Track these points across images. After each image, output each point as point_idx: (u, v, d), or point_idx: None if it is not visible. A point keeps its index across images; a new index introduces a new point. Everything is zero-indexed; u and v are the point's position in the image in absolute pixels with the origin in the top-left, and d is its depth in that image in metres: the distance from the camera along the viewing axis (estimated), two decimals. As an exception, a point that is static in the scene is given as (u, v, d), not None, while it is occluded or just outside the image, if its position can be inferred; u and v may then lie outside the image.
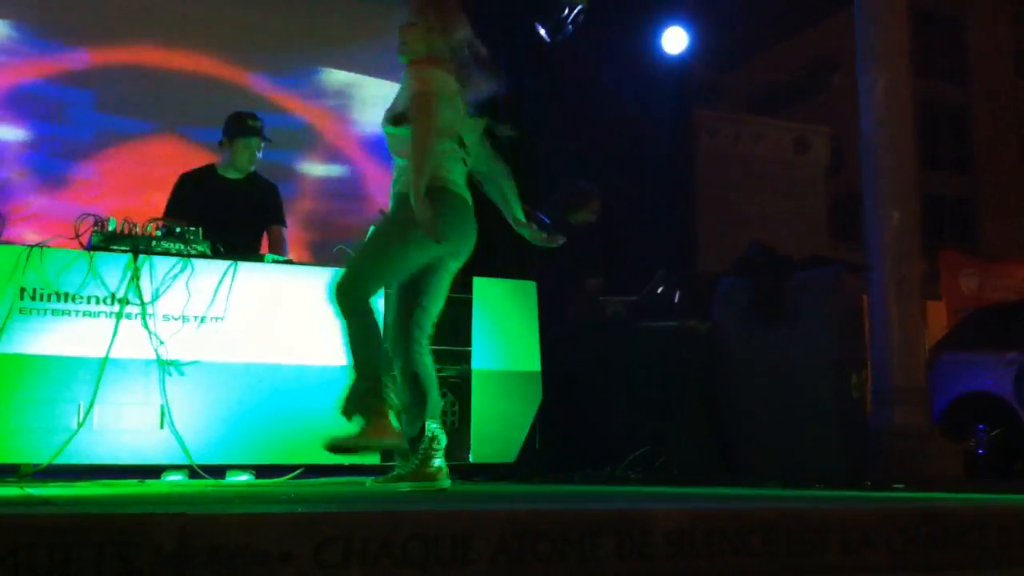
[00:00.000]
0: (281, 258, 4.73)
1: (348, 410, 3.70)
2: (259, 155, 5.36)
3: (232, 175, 5.33)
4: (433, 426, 3.83)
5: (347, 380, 3.73)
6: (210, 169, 5.40)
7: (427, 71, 3.81)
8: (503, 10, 7.33)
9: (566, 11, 7.36)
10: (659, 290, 5.97)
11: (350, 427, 3.68)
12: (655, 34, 8.02)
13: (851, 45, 6.80)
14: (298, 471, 4.53)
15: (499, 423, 4.79)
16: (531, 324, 4.97)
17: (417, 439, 3.84)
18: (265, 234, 5.37)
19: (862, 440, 5.30)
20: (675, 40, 7.96)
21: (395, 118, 3.84)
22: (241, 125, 5.32)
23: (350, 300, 3.70)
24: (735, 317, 5.39)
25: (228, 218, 4.96)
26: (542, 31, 7.35)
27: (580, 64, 7.82)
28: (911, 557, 2.73)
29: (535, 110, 7.77)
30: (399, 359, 3.89)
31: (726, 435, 5.24)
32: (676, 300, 5.87)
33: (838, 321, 5.10)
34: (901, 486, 4.69)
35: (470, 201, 3.90)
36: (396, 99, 3.91)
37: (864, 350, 5.71)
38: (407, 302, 3.91)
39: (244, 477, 4.43)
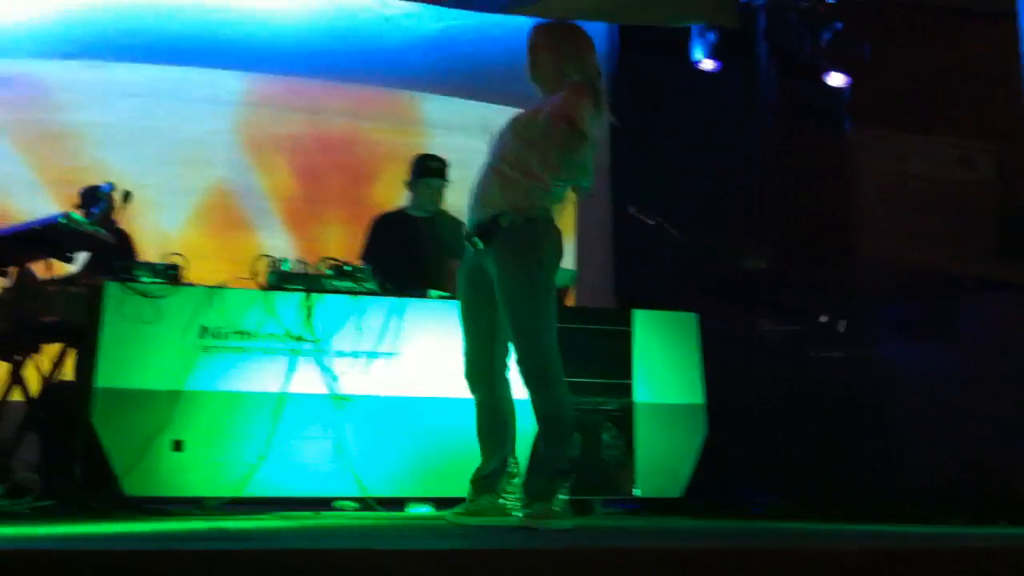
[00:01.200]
0: (446, 294, 4.82)
1: (542, 493, 3.61)
2: (443, 194, 5.53)
3: (419, 214, 5.51)
4: (512, 460, 3.81)
5: (547, 459, 3.64)
6: (400, 211, 5.63)
7: (584, 102, 3.70)
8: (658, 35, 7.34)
9: (716, 35, 7.33)
10: (823, 319, 5.84)
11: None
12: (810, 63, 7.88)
13: (1013, 57, 6.53)
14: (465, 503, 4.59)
15: (664, 456, 4.75)
16: (693, 356, 4.92)
17: (499, 471, 3.78)
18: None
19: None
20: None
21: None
22: (422, 167, 5.55)
23: (544, 364, 3.65)
24: (903, 343, 5.23)
25: (416, 255, 5.16)
26: (696, 60, 7.33)
27: (728, 90, 7.74)
28: None
29: (680, 136, 7.73)
30: (480, 394, 3.84)
31: (899, 466, 5.07)
32: (841, 328, 5.74)
33: (1014, 345, 4.89)
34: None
35: None
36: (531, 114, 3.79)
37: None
38: (488, 337, 3.81)
39: (423, 508, 4.54)
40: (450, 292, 4.77)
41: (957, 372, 4.97)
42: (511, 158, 3.71)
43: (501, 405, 3.81)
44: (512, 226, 3.64)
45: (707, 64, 7.52)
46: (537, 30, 3.92)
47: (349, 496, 4.40)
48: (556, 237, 3.73)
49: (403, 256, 5.21)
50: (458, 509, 3.81)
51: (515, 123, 3.81)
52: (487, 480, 3.77)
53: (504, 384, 3.82)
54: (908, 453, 5.09)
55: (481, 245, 3.70)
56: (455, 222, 5.57)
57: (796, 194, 7.93)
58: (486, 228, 3.68)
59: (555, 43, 3.84)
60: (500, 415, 3.81)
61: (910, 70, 7.64)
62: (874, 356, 5.43)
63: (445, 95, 7.46)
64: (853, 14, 7.48)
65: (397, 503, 4.43)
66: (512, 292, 3.65)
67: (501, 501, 3.74)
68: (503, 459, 3.78)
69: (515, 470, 3.81)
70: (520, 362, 3.70)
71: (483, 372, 3.81)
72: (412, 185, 5.58)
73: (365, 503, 4.33)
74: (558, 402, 3.66)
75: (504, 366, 3.80)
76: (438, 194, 5.55)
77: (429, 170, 5.53)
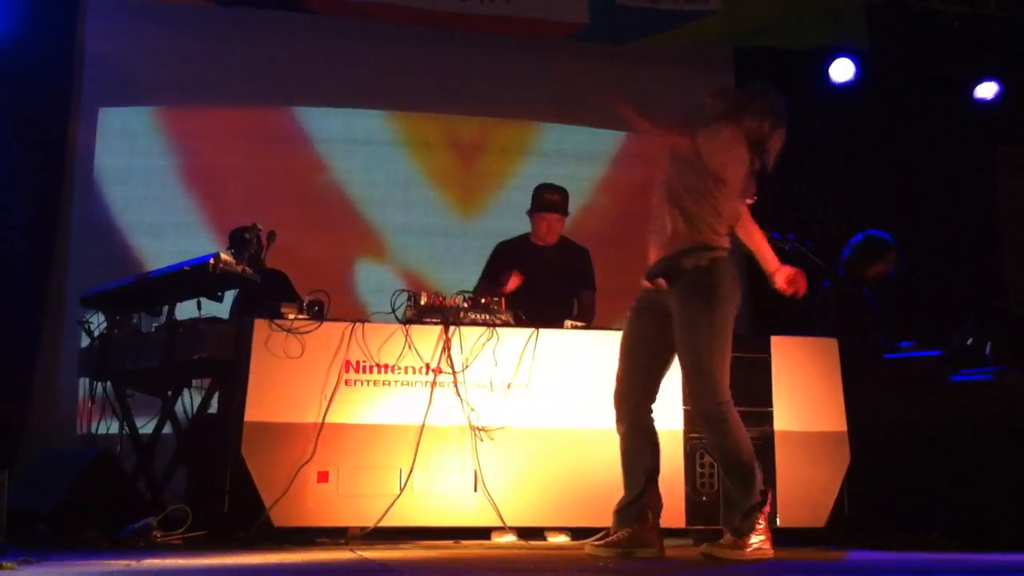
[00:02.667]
0: (579, 323, 4.83)
1: (737, 527, 3.72)
2: (561, 225, 5.59)
3: (541, 242, 5.56)
4: (653, 487, 3.90)
5: (735, 493, 3.76)
6: (523, 237, 5.70)
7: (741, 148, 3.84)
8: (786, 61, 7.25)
9: (847, 55, 7.21)
10: (969, 341, 5.64)
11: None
12: (957, 82, 7.68)
13: None
14: (603, 533, 4.58)
15: (806, 485, 4.64)
16: (834, 382, 4.80)
17: (642, 502, 3.85)
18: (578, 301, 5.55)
19: None
20: (984, 90, 7.64)
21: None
22: (538, 199, 5.60)
23: (721, 406, 3.74)
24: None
25: (539, 284, 5.22)
26: (830, 79, 7.21)
27: (871, 113, 7.59)
28: None
29: (821, 161, 7.60)
30: (626, 424, 3.93)
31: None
32: (988, 351, 5.53)
33: None
34: None
35: None
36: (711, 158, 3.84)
37: None
38: (646, 371, 3.93)
39: (561, 538, 4.55)
40: (577, 320, 4.79)
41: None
42: (689, 194, 3.80)
43: (647, 436, 3.90)
44: (696, 268, 3.75)
45: (841, 78, 7.37)
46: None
47: (490, 526, 4.43)
48: (735, 276, 3.82)
49: (527, 284, 5.26)
50: (597, 539, 3.89)
51: (683, 158, 3.87)
52: (630, 510, 3.83)
53: (650, 416, 3.92)
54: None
55: (664, 286, 3.82)
56: (579, 250, 5.61)
57: (937, 212, 7.73)
58: (670, 269, 3.80)
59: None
60: (645, 446, 3.88)
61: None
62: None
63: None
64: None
65: (534, 533, 4.43)
66: (692, 332, 3.74)
67: (647, 530, 3.81)
68: (646, 490, 3.83)
69: (660, 501, 3.88)
70: (695, 402, 3.82)
71: (633, 404, 3.91)
72: (530, 215, 5.62)
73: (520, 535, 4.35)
74: (735, 438, 3.74)
75: (653, 399, 3.92)
76: (557, 225, 5.57)
77: (545, 203, 5.57)
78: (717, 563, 3.67)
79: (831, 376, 4.79)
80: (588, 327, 4.80)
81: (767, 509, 3.78)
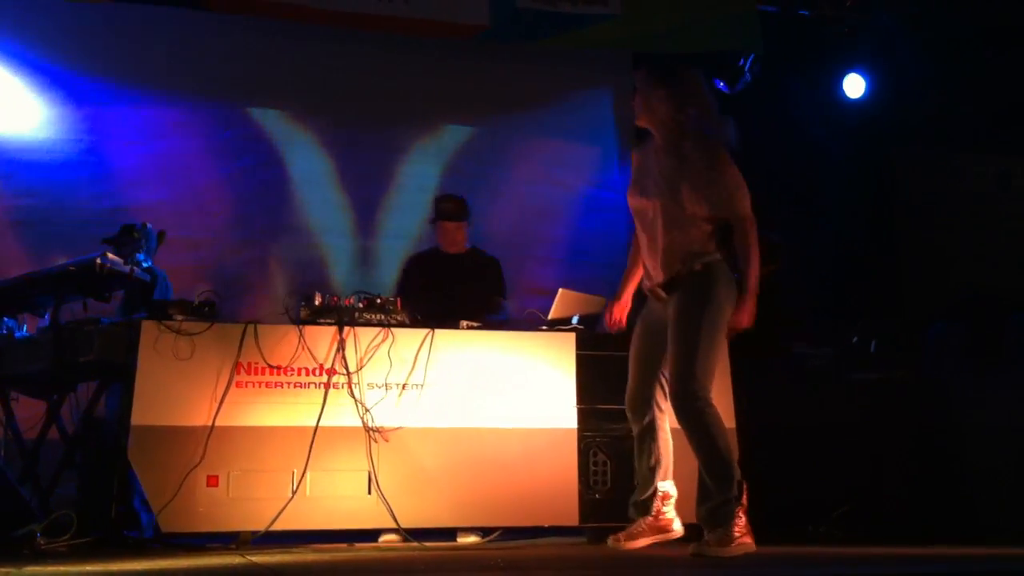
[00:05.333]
0: (474, 324, 4.82)
1: (714, 520, 3.89)
2: (465, 233, 5.62)
3: (449, 251, 5.56)
4: (665, 483, 4.17)
5: (712, 487, 3.93)
6: (433, 249, 5.74)
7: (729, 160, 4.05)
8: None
9: (741, 61, 7.35)
10: (855, 339, 5.80)
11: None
12: (838, 80, 7.90)
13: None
14: (496, 533, 4.60)
15: (695, 481, 4.71)
16: (723, 380, 4.85)
17: (655, 495, 4.14)
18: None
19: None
20: (854, 86, 7.87)
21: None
22: (435, 208, 5.66)
23: (700, 401, 3.90)
24: (949, 364, 5.17)
25: (450, 294, 5.26)
26: (721, 85, 7.34)
27: (762, 114, 7.74)
28: None
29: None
30: (638, 425, 4.18)
31: (946, 487, 5.01)
32: (873, 348, 5.69)
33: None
34: None
35: None
36: (665, 170, 4.05)
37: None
38: (652, 375, 4.14)
39: (472, 538, 4.60)
40: (478, 323, 4.79)
41: (1007, 392, 4.91)
42: (680, 207, 3.98)
43: (658, 435, 4.13)
44: (692, 272, 3.96)
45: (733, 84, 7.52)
46: (646, 78, 4.13)
47: (383, 528, 4.41)
48: (731, 281, 4.01)
49: (434, 292, 5.31)
50: (620, 535, 4.13)
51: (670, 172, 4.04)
52: (644, 503, 4.14)
53: (662, 416, 4.16)
54: (956, 474, 5.02)
55: (664, 295, 4.03)
56: (489, 261, 5.64)
57: (833, 213, 7.92)
58: (669, 281, 4.01)
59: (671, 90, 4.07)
60: (657, 444, 4.14)
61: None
62: (916, 377, 5.37)
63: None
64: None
65: (432, 534, 4.42)
66: (685, 328, 3.93)
67: (661, 521, 4.11)
68: (657, 484, 4.12)
69: (672, 492, 4.16)
70: (677, 395, 3.95)
71: (643, 405, 4.16)
72: (432, 225, 5.64)
73: (401, 535, 4.35)
74: (714, 433, 3.94)
75: (662, 399, 4.14)
76: (457, 234, 5.59)
77: (441, 212, 5.63)
78: (710, 562, 3.77)
79: (720, 374, 4.83)
80: (484, 327, 4.80)
81: (745, 502, 3.93)
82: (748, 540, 3.88)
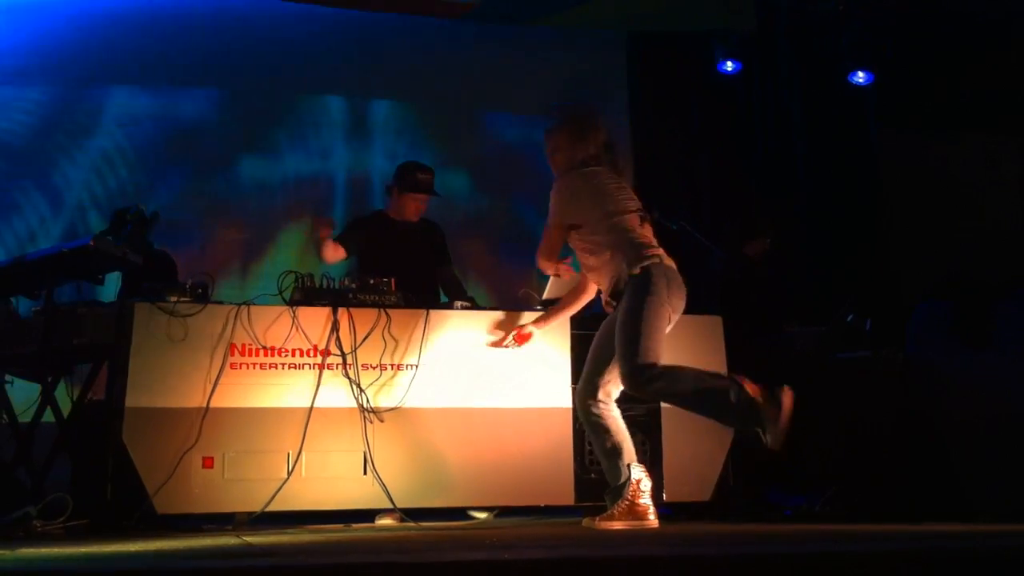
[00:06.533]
0: (468, 305, 4.82)
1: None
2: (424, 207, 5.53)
3: (400, 219, 5.51)
4: (636, 469, 4.15)
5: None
6: (380, 213, 5.61)
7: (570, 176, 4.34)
8: (678, 47, 7.37)
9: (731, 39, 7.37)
10: (849, 319, 5.81)
11: None
12: (833, 64, 7.89)
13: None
14: (493, 512, 4.62)
15: (691, 461, 4.75)
16: (718, 360, 4.89)
17: (627, 480, 4.14)
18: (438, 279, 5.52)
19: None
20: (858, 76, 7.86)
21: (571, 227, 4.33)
22: (410, 179, 5.46)
23: (646, 370, 4.01)
24: (934, 344, 5.18)
25: (398, 261, 5.11)
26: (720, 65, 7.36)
27: (754, 96, 7.76)
28: None
29: (709, 142, 7.74)
30: (586, 411, 4.29)
31: (932, 467, 5.03)
32: (868, 327, 5.71)
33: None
34: None
35: (674, 264, 4.25)
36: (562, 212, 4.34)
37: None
38: (604, 361, 4.26)
39: (484, 515, 4.68)
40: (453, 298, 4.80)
41: (992, 372, 4.92)
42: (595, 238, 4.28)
43: (608, 423, 4.26)
44: (632, 276, 4.16)
45: (728, 66, 7.54)
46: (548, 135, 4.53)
47: (379, 508, 4.42)
48: (671, 280, 4.19)
49: (383, 261, 5.14)
50: (595, 517, 4.18)
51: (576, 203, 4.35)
52: (618, 488, 4.17)
53: (608, 404, 4.29)
54: (944, 452, 5.04)
55: (615, 303, 4.23)
56: (432, 225, 5.61)
57: (824, 193, 7.93)
58: (617, 290, 4.21)
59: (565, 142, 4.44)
60: (611, 431, 4.24)
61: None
62: (903, 357, 5.37)
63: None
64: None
65: (428, 513, 4.44)
66: (624, 319, 4.10)
67: (637, 507, 4.13)
68: (626, 468, 4.16)
69: (645, 479, 4.17)
70: (623, 369, 4.08)
71: (592, 393, 4.28)
72: (397, 193, 5.51)
73: (398, 516, 4.36)
74: (670, 393, 4.12)
75: (615, 388, 4.28)
76: (424, 206, 5.52)
77: (420, 183, 5.46)
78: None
79: (715, 353, 4.88)
80: (477, 307, 4.81)
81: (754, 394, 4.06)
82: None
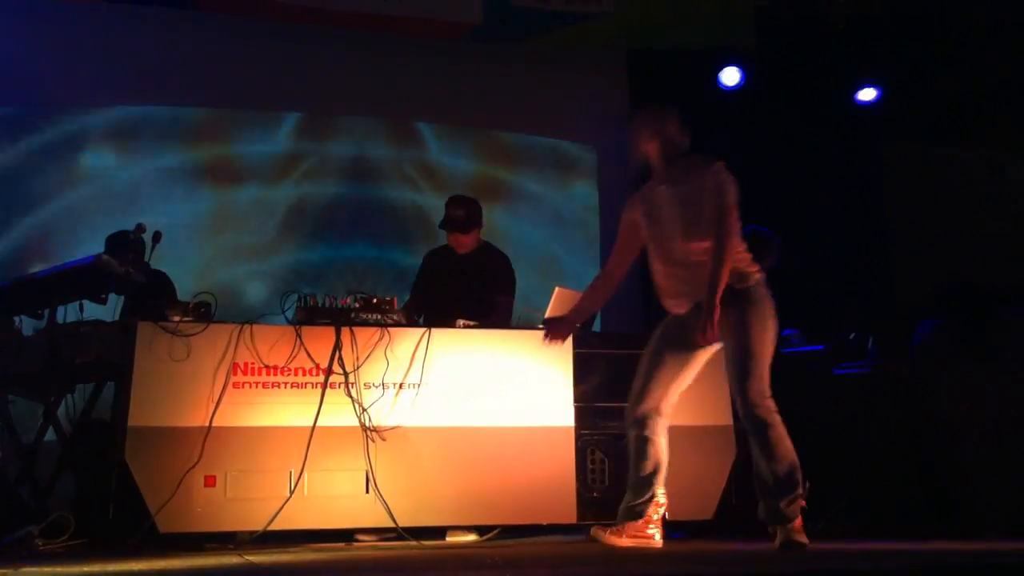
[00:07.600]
0: (470, 324, 4.81)
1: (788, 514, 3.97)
2: (470, 239, 5.49)
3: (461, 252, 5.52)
4: (663, 493, 4.18)
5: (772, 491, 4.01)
6: (443, 247, 5.64)
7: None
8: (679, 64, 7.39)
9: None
10: (852, 336, 5.81)
11: None
12: (844, 81, 7.91)
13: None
14: (494, 531, 4.61)
15: (694, 479, 4.73)
16: (720, 377, 4.88)
17: (649, 502, 4.13)
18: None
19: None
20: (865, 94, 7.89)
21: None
22: (445, 214, 5.48)
23: (766, 404, 4.04)
24: (938, 359, 5.17)
25: (456, 290, 5.23)
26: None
27: (760, 112, 7.77)
28: None
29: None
30: (635, 431, 4.15)
31: (937, 483, 5.02)
32: (871, 345, 5.71)
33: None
34: None
35: None
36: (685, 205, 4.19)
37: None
38: (666, 383, 4.16)
39: (471, 537, 4.60)
40: (474, 322, 4.79)
41: (997, 387, 4.92)
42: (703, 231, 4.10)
43: (659, 440, 4.15)
44: (745, 289, 4.05)
45: (730, 81, 7.54)
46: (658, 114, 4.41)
47: (379, 527, 4.42)
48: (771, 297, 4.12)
49: (445, 290, 5.29)
50: (604, 529, 4.15)
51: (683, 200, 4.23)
52: (637, 508, 4.12)
53: (663, 422, 4.17)
54: (947, 468, 5.04)
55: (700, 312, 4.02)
56: (499, 255, 5.57)
57: (827, 208, 7.93)
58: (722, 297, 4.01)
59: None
60: (657, 450, 4.15)
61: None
62: (907, 372, 5.37)
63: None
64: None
65: (430, 532, 4.43)
66: (743, 339, 4.03)
67: (648, 528, 4.11)
68: (653, 492, 4.13)
69: (664, 500, 4.17)
70: (742, 402, 4.06)
71: (647, 417, 4.14)
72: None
73: (396, 533, 4.36)
74: (778, 436, 4.07)
75: (668, 408, 4.17)
76: (464, 239, 5.48)
77: (445, 221, 5.48)
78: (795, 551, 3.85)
79: (717, 371, 4.86)
80: (480, 326, 4.81)
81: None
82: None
